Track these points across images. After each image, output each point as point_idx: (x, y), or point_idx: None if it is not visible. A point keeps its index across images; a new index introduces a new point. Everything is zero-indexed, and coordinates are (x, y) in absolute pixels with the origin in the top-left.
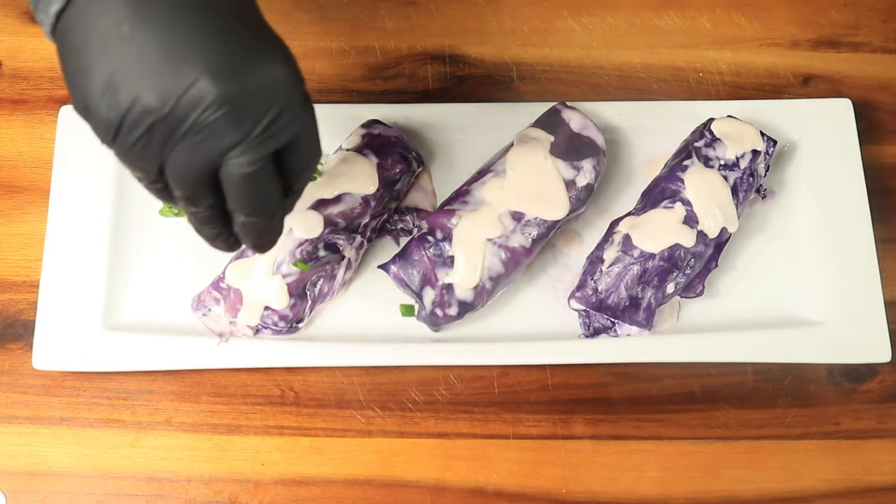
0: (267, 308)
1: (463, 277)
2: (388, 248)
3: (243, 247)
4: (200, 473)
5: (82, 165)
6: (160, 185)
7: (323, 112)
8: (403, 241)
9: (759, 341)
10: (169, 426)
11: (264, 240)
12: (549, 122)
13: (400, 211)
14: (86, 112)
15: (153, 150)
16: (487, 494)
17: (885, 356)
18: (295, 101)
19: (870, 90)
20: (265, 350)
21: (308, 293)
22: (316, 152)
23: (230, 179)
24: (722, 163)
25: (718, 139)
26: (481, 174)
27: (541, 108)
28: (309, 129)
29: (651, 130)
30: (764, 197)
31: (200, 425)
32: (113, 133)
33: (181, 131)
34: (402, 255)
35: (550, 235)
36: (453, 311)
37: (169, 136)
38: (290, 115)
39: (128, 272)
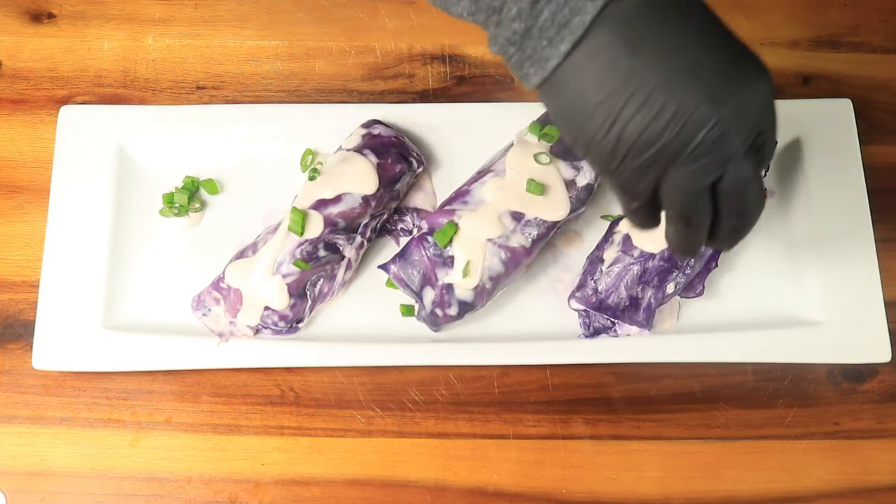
0: (267, 308)
1: (463, 277)
2: (388, 248)
3: (243, 247)
4: (200, 473)
5: (82, 165)
6: (648, 208)
7: (323, 112)
8: (403, 241)
9: (759, 341)
10: (169, 426)
11: (736, 240)
12: (550, 121)
13: (400, 211)
14: (587, 146)
15: (654, 173)
16: (487, 494)
17: (885, 356)
18: (773, 111)
19: (870, 90)
20: (265, 350)
21: (308, 293)
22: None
23: (727, 191)
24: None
25: None
26: (481, 174)
27: (541, 108)
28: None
29: None
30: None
31: (200, 425)
32: (619, 160)
33: (686, 153)
34: (402, 255)
35: (550, 235)
36: (453, 311)
37: (673, 159)
38: (770, 125)
39: (128, 272)
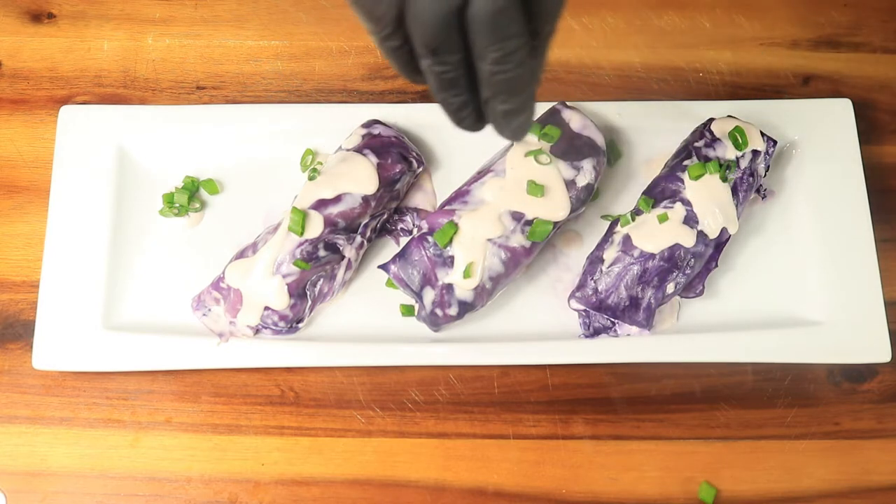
0: (267, 308)
1: (463, 278)
2: (388, 248)
3: (243, 247)
4: (200, 473)
5: (82, 165)
6: (397, 40)
7: (323, 112)
8: (403, 241)
9: (759, 341)
10: (169, 426)
11: (514, 100)
12: (549, 121)
13: (400, 211)
14: None
15: None
16: (487, 494)
17: (885, 356)
18: None
19: (870, 90)
20: (265, 350)
21: (308, 293)
22: None
23: (476, 18)
24: (722, 163)
25: (718, 139)
26: (481, 174)
27: (541, 108)
28: None
29: (651, 130)
30: (764, 197)
31: (200, 425)
32: None
33: None
34: (402, 255)
35: (550, 235)
36: (453, 311)
37: None
38: None
39: (128, 272)
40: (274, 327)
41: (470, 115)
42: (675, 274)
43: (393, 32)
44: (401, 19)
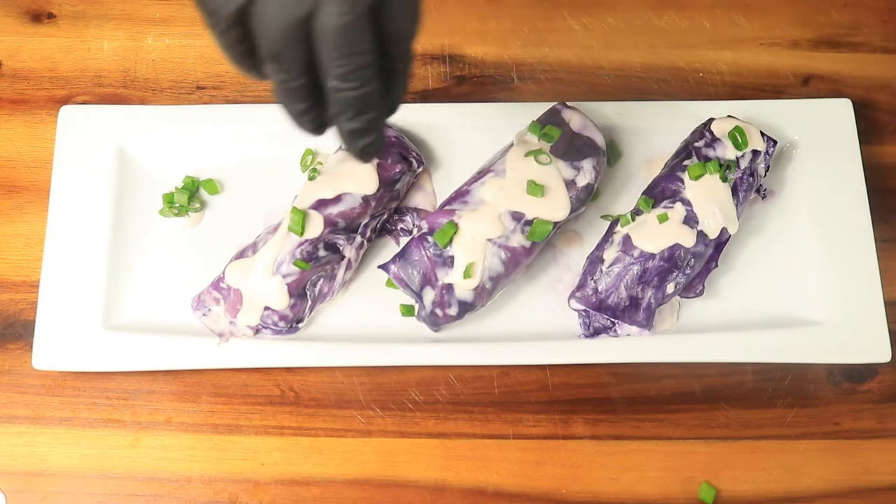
0: (267, 308)
1: (463, 278)
2: (388, 248)
3: (243, 247)
4: (200, 473)
5: (82, 165)
6: (235, 35)
7: None
8: (403, 241)
9: (759, 341)
10: (169, 426)
11: (360, 119)
12: (550, 121)
13: (400, 211)
14: None
15: None
16: (487, 494)
17: (885, 356)
18: None
19: (870, 90)
20: (265, 350)
21: (308, 293)
22: (416, 17)
23: (322, 31)
24: (722, 163)
25: (718, 139)
26: (481, 174)
27: (541, 108)
28: None
29: (651, 130)
30: (764, 197)
31: (200, 425)
32: None
33: None
34: (402, 255)
35: (550, 235)
36: (453, 311)
37: None
38: None
39: (128, 272)
40: (274, 327)
41: (311, 122)
42: (675, 274)
43: (232, 27)
44: (243, 15)
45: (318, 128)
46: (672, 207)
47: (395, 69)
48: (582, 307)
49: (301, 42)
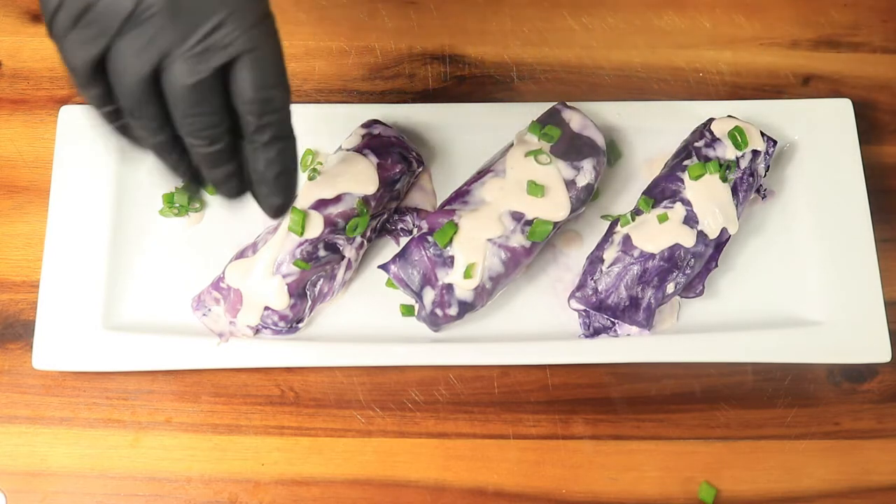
0: (267, 308)
1: (463, 278)
2: (388, 248)
3: (243, 247)
4: (200, 473)
5: (82, 165)
6: (97, 89)
7: (323, 112)
8: (403, 241)
9: (759, 341)
10: (169, 426)
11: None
12: (550, 121)
13: (400, 211)
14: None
15: (89, 37)
16: (487, 494)
17: (885, 356)
18: (243, 15)
19: (870, 90)
20: (265, 350)
21: (308, 293)
22: (270, 83)
23: (170, 89)
24: (722, 163)
25: (718, 139)
26: (481, 174)
27: (541, 108)
28: (260, 52)
29: (651, 130)
30: (764, 197)
31: (200, 425)
32: (51, 12)
33: (119, 22)
34: (402, 255)
35: (550, 235)
36: (453, 311)
37: (107, 27)
38: (235, 29)
39: (128, 272)
40: (274, 327)
41: (185, 173)
42: (675, 274)
43: (91, 83)
44: (100, 72)
45: (193, 179)
46: (672, 207)
47: (265, 143)
48: (582, 307)
49: (154, 97)
